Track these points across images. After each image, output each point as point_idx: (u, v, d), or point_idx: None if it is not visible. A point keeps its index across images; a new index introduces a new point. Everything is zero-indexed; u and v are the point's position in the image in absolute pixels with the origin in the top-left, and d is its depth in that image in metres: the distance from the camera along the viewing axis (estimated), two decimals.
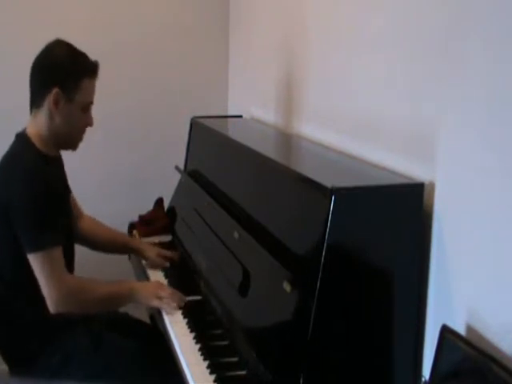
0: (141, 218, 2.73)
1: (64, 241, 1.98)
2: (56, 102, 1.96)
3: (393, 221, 1.53)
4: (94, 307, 2.03)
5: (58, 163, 2.14)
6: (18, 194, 1.91)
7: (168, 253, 2.42)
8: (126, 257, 2.60)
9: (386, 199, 1.54)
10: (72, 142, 2.07)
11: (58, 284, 1.91)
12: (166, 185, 2.87)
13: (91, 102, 2.04)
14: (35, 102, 2.00)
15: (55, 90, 1.94)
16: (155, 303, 2.03)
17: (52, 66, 1.99)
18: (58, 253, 1.92)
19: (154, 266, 2.38)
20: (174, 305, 2.01)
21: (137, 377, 1.97)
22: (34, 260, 1.89)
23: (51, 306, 1.91)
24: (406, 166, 1.67)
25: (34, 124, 2.01)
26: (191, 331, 1.91)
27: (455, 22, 1.47)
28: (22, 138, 2.03)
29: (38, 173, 1.92)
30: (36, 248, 1.89)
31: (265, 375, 1.56)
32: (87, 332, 2.04)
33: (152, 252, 2.41)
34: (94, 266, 2.43)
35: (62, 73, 1.97)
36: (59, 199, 2.02)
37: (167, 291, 2.05)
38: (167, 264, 2.37)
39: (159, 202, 2.79)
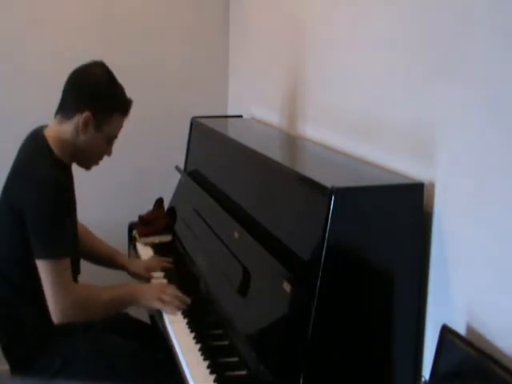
0: (141, 218, 2.73)
1: (74, 252, 2.00)
2: (85, 125, 1.99)
3: (393, 221, 1.53)
4: (98, 315, 2.02)
5: (70, 171, 2.14)
6: (36, 200, 1.90)
7: (155, 264, 2.39)
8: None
9: (386, 199, 1.54)
10: (86, 163, 2.11)
11: (64, 294, 1.90)
12: (166, 185, 2.87)
13: (116, 136, 2.09)
14: (64, 111, 2.02)
15: (87, 114, 1.98)
16: (158, 306, 2.02)
17: (91, 89, 2.02)
18: (66, 264, 1.92)
19: (138, 279, 2.35)
20: (177, 306, 2.00)
21: (137, 377, 1.97)
22: (43, 267, 1.89)
23: (55, 316, 1.90)
24: (406, 166, 1.67)
25: (57, 130, 2.02)
26: (191, 331, 1.91)
27: (455, 21, 1.47)
28: (38, 140, 2.02)
29: (54, 179, 1.92)
30: (46, 255, 1.89)
31: (265, 375, 1.56)
32: (87, 333, 2.04)
33: (137, 268, 2.38)
34: (95, 268, 2.42)
35: (99, 101, 2.00)
36: (72, 208, 2.03)
37: (170, 293, 2.05)
38: (152, 275, 2.33)
39: (159, 202, 2.79)
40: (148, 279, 2.33)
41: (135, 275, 2.39)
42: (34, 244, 1.90)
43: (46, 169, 1.94)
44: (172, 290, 2.09)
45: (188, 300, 2.05)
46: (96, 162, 2.14)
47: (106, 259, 2.42)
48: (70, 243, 1.97)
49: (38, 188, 1.90)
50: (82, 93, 2.02)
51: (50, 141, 2.01)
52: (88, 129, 2.00)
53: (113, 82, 2.05)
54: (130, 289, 2.12)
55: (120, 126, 2.09)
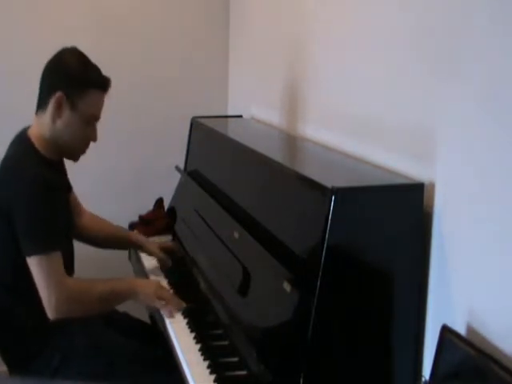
0: (141, 218, 2.73)
1: (64, 245, 1.98)
2: (59, 106, 1.94)
3: (393, 221, 1.53)
4: (94, 309, 2.00)
5: (60, 167, 2.13)
6: (20, 198, 1.89)
7: (169, 244, 2.47)
8: (125, 256, 2.60)
9: (386, 199, 1.54)
10: (72, 153, 2.06)
11: (58, 288, 1.88)
12: (166, 185, 2.87)
13: (96, 116, 2.02)
14: (41, 104, 2.00)
15: (58, 94, 1.94)
16: (156, 304, 2.02)
17: (60, 71, 1.98)
18: (57, 257, 1.89)
19: (159, 261, 2.39)
20: (175, 304, 2.01)
21: (136, 377, 1.96)
22: (33, 263, 1.87)
23: (50, 311, 1.88)
24: (406, 166, 1.67)
25: (38, 126, 2.01)
26: (191, 331, 1.91)
27: (455, 21, 1.47)
28: (22, 140, 2.02)
29: (40, 178, 1.90)
30: (35, 252, 1.87)
31: (265, 375, 1.56)
32: (86, 332, 2.03)
33: (153, 246, 2.42)
34: (94, 266, 2.43)
35: (69, 78, 1.96)
36: (60, 204, 2.01)
37: (168, 293, 2.05)
38: (169, 262, 2.37)
39: (159, 202, 2.79)
40: (160, 260, 2.38)
41: (152, 253, 2.40)
42: (24, 242, 1.89)
43: (33, 168, 1.93)
44: (169, 291, 2.08)
45: (183, 305, 2.03)
46: (82, 150, 2.05)
47: (120, 240, 2.45)
48: (59, 237, 1.95)
49: (25, 187, 1.89)
50: (52, 77, 1.98)
51: (34, 140, 1.99)
52: (62, 110, 1.95)
53: (84, 61, 2.00)
54: (129, 282, 2.09)
55: (98, 105, 2.01)
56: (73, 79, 1.96)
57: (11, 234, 1.90)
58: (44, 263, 1.87)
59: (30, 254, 1.88)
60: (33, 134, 2.01)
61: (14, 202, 1.90)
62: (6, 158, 2.03)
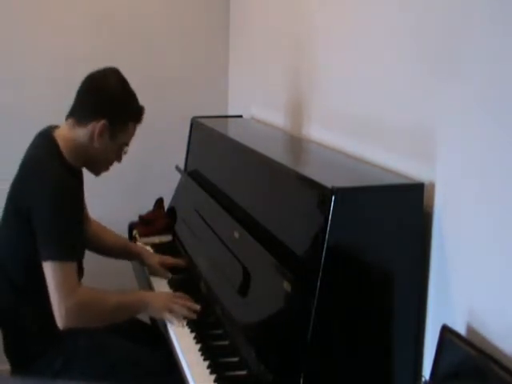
0: (141, 218, 2.73)
1: (80, 256, 2.00)
2: (101, 134, 1.99)
3: (393, 221, 1.53)
4: (103, 320, 1.99)
5: (81, 175, 2.14)
6: (44, 201, 1.89)
7: (170, 259, 2.40)
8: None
9: (386, 199, 1.54)
10: (97, 169, 2.12)
11: (69, 296, 1.87)
12: (166, 185, 2.86)
13: (128, 144, 2.11)
14: (79, 116, 2.01)
15: (104, 123, 1.98)
16: (167, 317, 1.98)
17: (107, 98, 2.01)
18: (72, 266, 1.89)
19: (155, 274, 2.36)
20: (185, 315, 1.97)
21: (137, 377, 1.97)
22: (50, 268, 1.87)
23: (60, 320, 1.87)
24: (406, 166, 1.67)
25: (70, 135, 2.01)
26: (191, 331, 1.91)
27: (455, 21, 1.47)
28: (48, 142, 2.02)
29: (65, 184, 1.91)
30: (52, 257, 1.87)
31: (265, 375, 1.56)
32: (88, 333, 2.02)
33: (153, 260, 2.39)
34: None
35: (115, 110, 2.01)
36: (80, 213, 2.03)
37: (179, 303, 2.01)
38: (169, 275, 2.34)
39: (159, 202, 2.79)
40: (158, 275, 2.34)
41: (150, 267, 2.38)
42: (42, 245, 1.88)
43: (57, 172, 1.93)
44: (181, 299, 2.04)
45: (197, 307, 2.00)
46: (107, 169, 2.14)
47: (121, 251, 2.44)
48: (76, 247, 1.96)
49: (48, 190, 1.89)
50: (98, 100, 2.01)
51: (61, 144, 2.00)
52: (103, 137, 2.00)
53: (128, 90, 2.06)
54: (139, 296, 2.09)
55: (133, 134, 2.10)
56: (118, 112, 2.02)
57: (27, 234, 1.90)
58: (59, 270, 1.87)
59: (46, 259, 1.87)
60: (60, 137, 2.01)
61: (36, 204, 1.90)
62: (28, 156, 2.03)
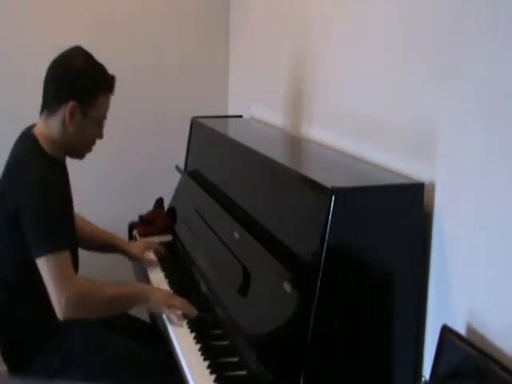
0: (141, 217, 2.73)
1: (72, 245, 1.99)
2: (72, 115, 1.96)
3: (393, 221, 1.53)
4: (102, 310, 1.98)
5: (64, 167, 2.13)
6: (30, 199, 1.89)
7: (155, 245, 2.51)
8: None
9: (386, 199, 1.54)
10: (80, 152, 2.08)
11: (67, 286, 1.87)
12: (166, 185, 2.86)
13: (105, 117, 2.05)
14: (49, 106, 1.99)
15: (72, 103, 1.94)
16: (166, 312, 1.98)
17: (71, 78, 1.98)
18: (66, 256, 1.89)
19: (145, 262, 2.44)
20: (185, 312, 1.97)
21: (137, 377, 1.96)
22: (43, 264, 1.86)
23: (59, 311, 1.87)
24: (406, 166, 1.67)
25: (45, 127, 2.01)
26: (191, 331, 1.91)
27: (455, 21, 1.47)
28: (28, 140, 2.01)
29: (49, 177, 1.91)
30: (44, 252, 1.86)
31: (265, 375, 1.56)
32: (86, 332, 2.03)
33: (137, 249, 2.44)
34: (94, 267, 2.42)
35: (81, 87, 1.97)
36: (68, 203, 2.03)
37: (179, 302, 2.01)
38: (154, 259, 2.42)
39: (159, 202, 2.79)
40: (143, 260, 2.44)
41: (135, 257, 2.45)
42: (32, 243, 1.88)
43: (40, 167, 1.93)
44: (181, 298, 2.04)
45: (195, 311, 1.99)
46: (89, 149, 2.09)
47: (107, 245, 2.45)
48: (68, 236, 1.95)
49: (33, 187, 1.89)
50: (62, 84, 1.98)
51: (41, 139, 1.99)
52: (75, 118, 1.96)
53: (91, 63, 2.00)
54: (139, 288, 2.10)
55: (107, 107, 2.04)
56: (84, 88, 1.97)
57: (19, 235, 1.90)
58: (53, 262, 1.86)
59: (39, 255, 1.87)
60: (39, 133, 2.01)
61: (21, 203, 1.89)
62: (12, 157, 2.03)
